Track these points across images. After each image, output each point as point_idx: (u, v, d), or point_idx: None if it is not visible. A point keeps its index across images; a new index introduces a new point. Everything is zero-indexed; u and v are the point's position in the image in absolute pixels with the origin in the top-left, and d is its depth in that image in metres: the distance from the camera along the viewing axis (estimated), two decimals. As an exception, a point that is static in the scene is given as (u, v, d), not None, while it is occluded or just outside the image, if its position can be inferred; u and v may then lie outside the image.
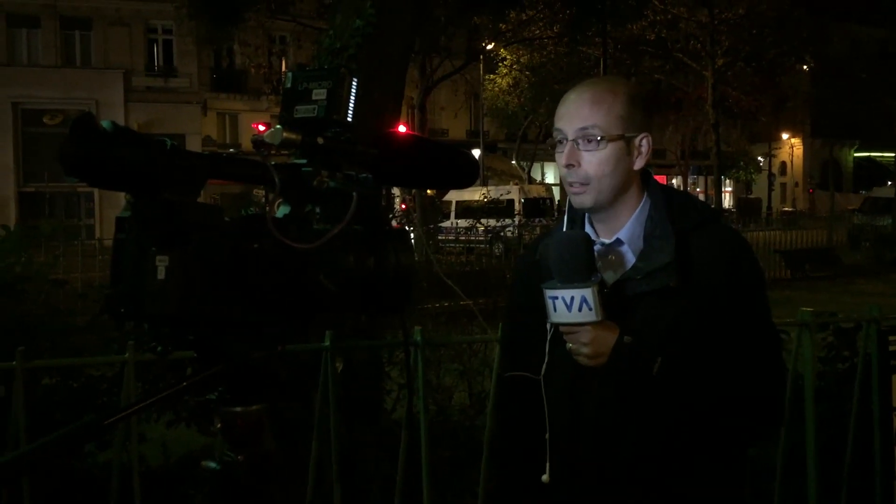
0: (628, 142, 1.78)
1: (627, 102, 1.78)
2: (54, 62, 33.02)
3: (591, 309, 1.65)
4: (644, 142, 1.81)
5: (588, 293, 1.65)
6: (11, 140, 31.67)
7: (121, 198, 1.12)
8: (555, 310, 1.69)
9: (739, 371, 1.73)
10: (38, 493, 3.07)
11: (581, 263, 1.68)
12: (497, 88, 32.58)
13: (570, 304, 1.66)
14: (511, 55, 30.14)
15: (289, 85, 1.33)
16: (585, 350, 1.70)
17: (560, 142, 1.80)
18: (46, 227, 5.14)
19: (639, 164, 1.81)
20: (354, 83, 1.30)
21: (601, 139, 1.75)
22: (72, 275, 9.09)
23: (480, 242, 18.60)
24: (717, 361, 1.72)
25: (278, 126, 1.23)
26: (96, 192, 31.85)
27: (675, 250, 1.73)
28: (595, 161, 1.76)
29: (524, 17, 25.37)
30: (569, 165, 1.77)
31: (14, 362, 2.66)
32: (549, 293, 1.70)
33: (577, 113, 1.77)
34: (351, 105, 1.29)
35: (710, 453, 1.77)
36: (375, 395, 4.03)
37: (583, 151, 1.76)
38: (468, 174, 1.39)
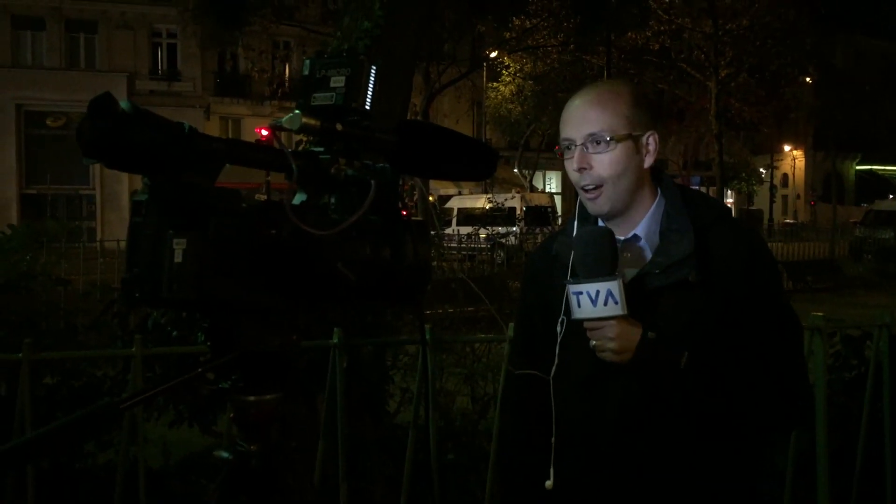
0: (636, 140, 1.78)
1: (631, 102, 1.79)
2: (58, 64, 33.03)
3: (616, 302, 1.64)
4: (651, 139, 1.80)
5: (614, 286, 1.64)
6: (14, 142, 31.65)
7: (123, 201, 1.10)
8: (579, 305, 1.67)
9: (765, 363, 1.72)
10: (41, 492, 3.05)
11: (606, 257, 1.67)
12: (500, 96, 32.59)
13: (595, 299, 1.65)
14: (515, 63, 30.16)
15: (306, 72, 1.30)
16: (612, 345, 1.67)
17: (568, 148, 1.79)
18: (53, 226, 5.14)
19: (648, 161, 1.81)
20: (373, 70, 1.28)
21: (610, 140, 1.74)
22: (73, 276, 9.08)
23: (482, 250, 18.57)
24: (743, 354, 1.71)
25: (297, 111, 1.21)
26: (98, 194, 31.91)
27: (695, 244, 1.72)
28: (606, 162, 1.76)
29: (528, 25, 25.44)
30: (581, 169, 1.76)
31: (20, 354, 2.64)
32: (572, 288, 1.68)
33: (583, 118, 1.77)
34: (370, 93, 1.27)
35: (734, 448, 1.75)
36: (379, 396, 4.01)
37: (592, 154, 1.76)
38: (488, 166, 1.37)
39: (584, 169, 1.76)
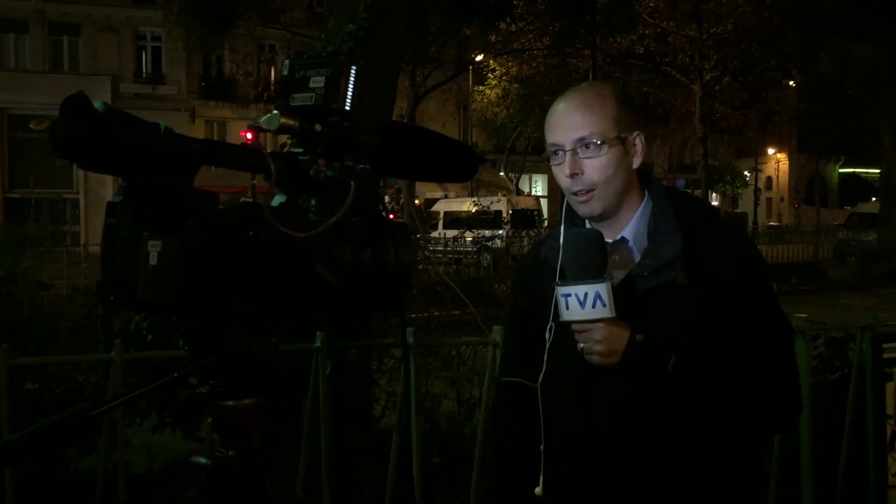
0: (624, 142, 1.76)
1: (617, 103, 1.77)
2: (42, 68, 32.83)
3: (605, 305, 1.62)
4: (638, 139, 1.80)
5: (602, 288, 1.62)
6: (-3, 145, 31.47)
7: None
8: (567, 307, 1.65)
9: (756, 365, 1.71)
10: (22, 499, 3.01)
11: (594, 260, 1.65)
12: (486, 100, 32.63)
13: (583, 301, 1.63)
14: (500, 66, 30.20)
15: (286, 73, 1.29)
16: (599, 348, 1.66)
17: (556, 153, 1.77)
18: (33, 228, 5.10)
19: (636, 162, 1.80)
20: (353, 71, 1.26)
21: (601, 143, 1.73)
22: (57, 281, 9.00)
23: (468, 253, 18.57)
24: (732, 355, 1.70)
25: (275, 112, 1.20)
26: (82, 198, 31.74)
27: (683, 245, 1.71)
28: (598, 166, 1.74)
29: (514, 29, 25.44)
30: (573, 175, 1.75)
31: (-2, 359, 2.61)
32: (561, 290, 1.66)
33: (570, 123, 1.75)
34: (349, 93, 1.26)
35: (728, 450, 1.74)
36: (364, 401, 3.99)
37: (583, 159, 1.74)
38: (469, 167, 1.36)
39: (577, 175, 1.74)
